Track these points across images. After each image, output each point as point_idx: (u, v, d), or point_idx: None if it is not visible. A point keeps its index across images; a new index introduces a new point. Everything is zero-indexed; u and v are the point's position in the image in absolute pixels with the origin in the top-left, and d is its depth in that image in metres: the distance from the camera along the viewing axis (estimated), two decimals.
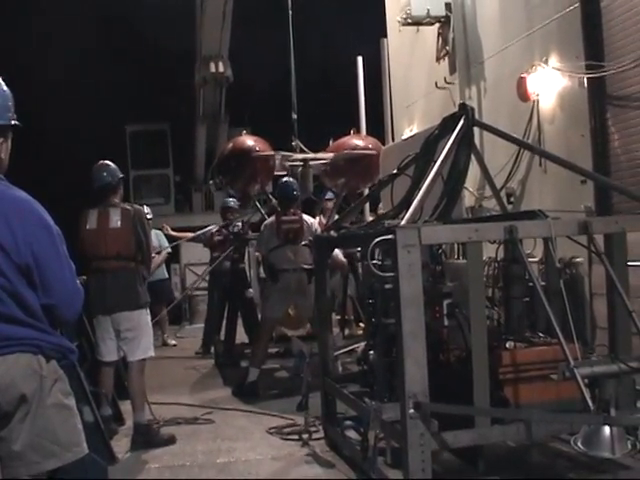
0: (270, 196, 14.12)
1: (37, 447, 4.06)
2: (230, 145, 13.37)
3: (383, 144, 14.41)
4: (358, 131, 15.16)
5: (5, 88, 4.39)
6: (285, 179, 12.28)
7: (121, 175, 9.24)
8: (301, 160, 13.11)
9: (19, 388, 4.01)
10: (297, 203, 12.09)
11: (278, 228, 11.38)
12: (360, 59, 18.26)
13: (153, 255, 12.00)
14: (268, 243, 11.47)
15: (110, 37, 26.99)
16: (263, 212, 13.86)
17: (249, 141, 12.83)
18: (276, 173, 13.63)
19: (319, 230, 11.46)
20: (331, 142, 13.76)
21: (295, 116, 14.51)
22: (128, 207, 9.06)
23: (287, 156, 13.16)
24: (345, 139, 13.56)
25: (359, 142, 13.36)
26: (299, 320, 12.16)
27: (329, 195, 15.05)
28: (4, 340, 4.02)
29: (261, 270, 12.59)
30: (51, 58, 25.43)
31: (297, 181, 12.95)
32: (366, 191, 16.92)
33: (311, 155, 13.32)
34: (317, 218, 13.91)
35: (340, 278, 14.17)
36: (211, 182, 16.38)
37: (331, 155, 13.14)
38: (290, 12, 15.31)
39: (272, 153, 12.67)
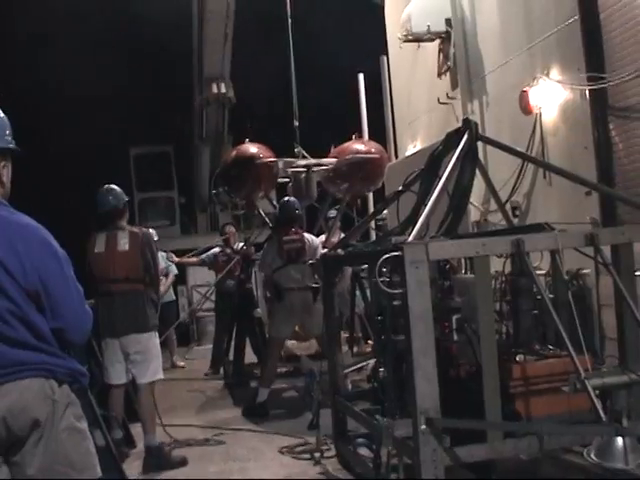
0: (273, 202, 14.13)
1: (51, 471, 4.07)
2: (233, 153, 13.36)
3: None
4: (360, 136, 15.11)
5: (1, 114, 4.42)
6: (287, 198, 12.30)
7: (126, 198, 9.27)
8: (304, 166, 13.10)
9: (32, 413, 4.02)
10: (299, 222, 12.11)
11: (280, 248, 11.42)
12: (361, 76, 18.33)
13: (160, 277, 12.03)
14: (272, 263, 11.50)
15: (113, 60, 27.04)
16: (270, 223, 13.76)
17: (252, 148, 12.81)
18: (280, 180, 13.64)
19: (320, 248, 11.49)
20: (332, 149, 13.72)
21: (297, 123, 14.53)
22: (136, 230, 9.10)
23: (290, 162, 13.15)
24: (347, 144, 13.50)
25: (361, 147, 13.33)
26: (307, 334, 12.23)
27: (332, 214, 15.02)
28: (16, 365, 4.04)
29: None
30: (53, 82, 25.47)
31: (301, 187, 12.96)
32: (370, 195, 17.04)
33: (314, 161, 13.29)
34: (322, 237, 13.90)
35: (348, 285, 14.14)
36: (214, 192, 16.37)
37: (334, 160, 13.12)
38: (289, 20, 15.32)
39: (275, 160, 12.66)
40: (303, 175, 13.02)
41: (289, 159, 13.16)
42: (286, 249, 11.39)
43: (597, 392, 5.27)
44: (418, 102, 15.49)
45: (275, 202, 14.20)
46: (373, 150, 13.16)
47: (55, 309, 4.17)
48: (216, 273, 15.55)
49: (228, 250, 15.28)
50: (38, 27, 25.81)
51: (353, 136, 13.79)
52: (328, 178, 13.41)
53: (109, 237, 8.88)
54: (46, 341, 4.14)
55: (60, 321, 4.20)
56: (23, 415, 4.00)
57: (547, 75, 10.36)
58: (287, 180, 13.64)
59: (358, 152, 12.97)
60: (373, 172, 13.10)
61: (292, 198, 12.31)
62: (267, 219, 13.88)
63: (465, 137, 7.12)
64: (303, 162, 13.21)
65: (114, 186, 9.21)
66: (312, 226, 14.49)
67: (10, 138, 4.38)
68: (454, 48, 13.19)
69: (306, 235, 11.79)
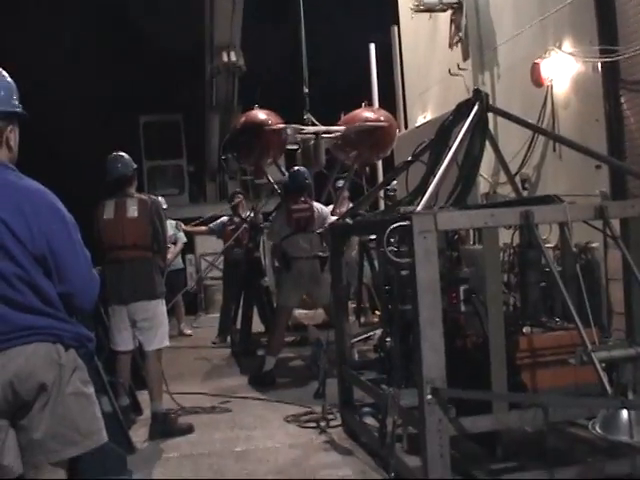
0: (282, 169, 14.14)
1: (57, 435, 4.09)
2: (242, 119, 13.32)
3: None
4: (370, 104, 15.02)
5: (9, 79, 4.41)
6: (297, 168, 12.28)
7: (135, 166, 9.25)
8: (313, 133, 13.07)
9: (39, 377, 4.04)
10: (309, 191, 12.08)
11: (289, 216, 11.42)
12: (372, 46, 18.26)
13: (169, 245, 12.04)
14: (280, 232, 11.51)
15: (123, 28, 27.00)
16: (279, 190, 13.71)
17: (261, 115, 12.77)
18: (288, 147, 13.63)
19: (329, 217, 11.49)
20: (342, 116, 13.69)
21: (306, 90, 14.49)
22: (145, 197, 9.08)
23: (299, 129, 13.11)
24: (356, 112, 13.44)
25: (370, 114, 13.28)
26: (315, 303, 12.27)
27: (340, 183, 15.00)
28: (23, 330, 4.05)
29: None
30: (64, 50, 25.46)
31: (310, 154, 12.94)
32: (380, 165, 17.05)
33: (323, 128, 13.25)
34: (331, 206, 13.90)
35: (356, 255, 14.15)
36: (223, 158, 16.39)
37: (343, 128, 13.09)
38: None
39: (284, 126, 12.61)
40: (312, 142, 12.99)
41: (298, 126, 13.12)
42: (295, 218, 11.38)
43: (603, 365, 5.26)
44: (429, 73, 15.46)
45: (283, 169, 14.21)
46: (382, 118, 13.10)
47: (62, 273, 4.18)
48: (224, 242, 15.55)
49: (236, 219, 15.27)
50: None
51: (362, 104, 13.73)
52: (337, 146, 13.38)
53: (118, 204, 8.86)
54: (53, 306, 4.16)
55: (67, 286, 4.21)
56: (30, 379, 4.02)
57: (559, 47, 10.32)
58: (296, 147, 13.61)
59: (367, 120, 12.92)
60: (382, 140, 13.05)
61: (302, 167, 12.29)
62: (276, 187, 13.86)
63: (475, 108, 7.08)
64: (312, 129, 13.18)
65: (123, 153, 9.18)
66: (320, 195, 14.47)
67: (17, 102, 4.38)
68: (466, 19, 13.14)
69: (315, 204, 11.78)
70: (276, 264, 12.34)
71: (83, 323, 4.45)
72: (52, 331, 4.12)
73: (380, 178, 17.90)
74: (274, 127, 12.43)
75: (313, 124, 13.52)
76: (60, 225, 4.20)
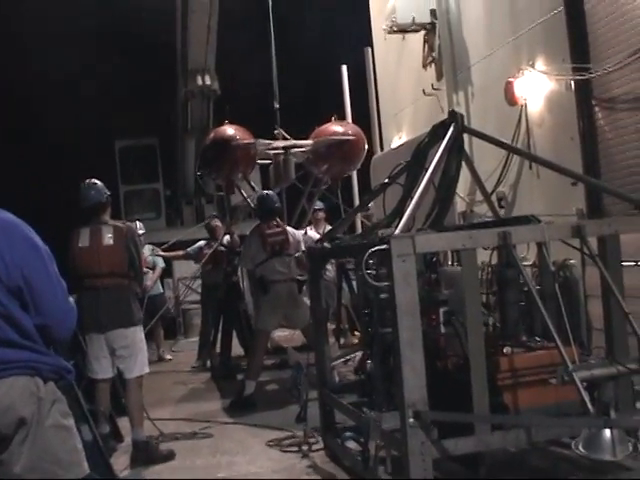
0: (252, 184, 14.21)
1: (38, 469, 4.04)
2: (211, 135, 13.44)
3: (372, 153, 14.43)
4: (339, 118, 15.13)
5: None
6: (265, 192, 12.34)
7: (108, 193, 9.22)
8: (282, 148, 13.16)
9: (17, 411, 3.99)
10: (279, 214, 12.13)
11: (264, 241, 11.42)
12: (344, 68, 18.31)
13: (146, 270, 11.98)
14: (256, 257, 11.48)
15: (97, 53, 26.96)
16: (253, 206, 13.73)
17: (229, 130, 12.87)
18: (259, 161, 13.71)
19: (302, 241, 11.53)
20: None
21: (277, 105, 14.60)
22: (120, 224, 9.05)
23: (268, 144, 13.20)
24: (325, 126, 13.58)
25: (338, 128, 13.39)
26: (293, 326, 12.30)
27: (319, 205, 15.05)
28: (0, 364, 4.00)
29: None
30: (39, 75, 25.40)
31: (280, 169, 13.03)
32: (355, 186, 17.14)
33: (291, 142, 13.37)
34: (308, 228, 13.92)
35: (334, 276, 14.15)
36: (199, 173, 16.52)
37: (311, 142, 13.19)
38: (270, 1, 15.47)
39: (252, 141, 12.69)
40: (282, 157, 13.09)
41: (267, 141, 13.20)
42: (270, 242, 11.38)
43: (585, 384, 5.27)
44: (403, 93, 15.52)
45: (254, 184, 14.33)
46: (350, 131, 13.22)
47: (39, 305, 4.14)
48: (203, 266, 15.53)
49: (214, 243, 15.25)
50: (22, 20, 25.72)
51: (332, 118, 13.80)
52: (309, 160, 13.48)
53: (93, 232, 8.82)
54: (31, 338, 4.11)
55: (44, 317, 4.17)
56: (8, 413, 3.97)
57: (532, 66, 10.39)
58: (270, 162, 13.72)
59: (335, 133, 13.03)
60: (350, 152, 13.21)
61: (270, 192, 12.33)
62: (251, 203, 13.87)
63: (451, 129, 7.11)
64: (281, 144, 13.28)
65: (96, 180, 9.16)
66: (293, 210, 14.60)
67: None
68: (439, 39, 13.23)
69: (288, 228, 11.82)
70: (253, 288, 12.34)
71: (61, 353, 4.41)
72: (30, 364, 4.08)
73: (356, 198, 17.94)
74: (241, 142, 12.49)
75: (285, 139, 13.60)
76: (35, 257, 4.16)
